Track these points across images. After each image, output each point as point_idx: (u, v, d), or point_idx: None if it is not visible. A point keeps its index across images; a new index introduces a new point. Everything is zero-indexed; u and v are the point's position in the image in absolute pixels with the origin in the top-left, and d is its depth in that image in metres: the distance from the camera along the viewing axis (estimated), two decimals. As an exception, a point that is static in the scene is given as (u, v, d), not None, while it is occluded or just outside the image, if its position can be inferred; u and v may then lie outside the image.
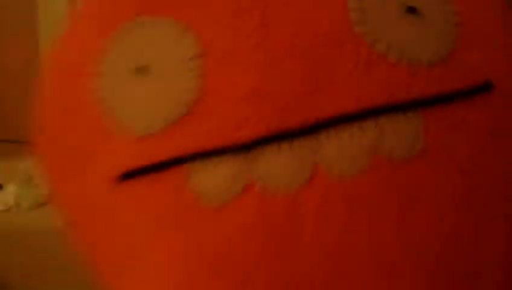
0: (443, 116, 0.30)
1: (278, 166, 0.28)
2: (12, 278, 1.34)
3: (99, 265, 0.38)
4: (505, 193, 0.32)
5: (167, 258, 0.31)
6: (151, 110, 0.31)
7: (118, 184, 0.31)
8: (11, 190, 1.35)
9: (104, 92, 0.32)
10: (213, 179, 0.29)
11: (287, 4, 0.31)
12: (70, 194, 0.37)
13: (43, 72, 0.38)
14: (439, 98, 0.29)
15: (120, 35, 0.33)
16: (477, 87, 0.31)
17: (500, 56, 0.34)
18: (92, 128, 0.33)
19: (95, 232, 0.36)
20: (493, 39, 0.35)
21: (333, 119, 0.28)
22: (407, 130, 0.28)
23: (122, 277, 0.34)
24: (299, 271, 0.28)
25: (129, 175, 0.31)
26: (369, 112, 0.28)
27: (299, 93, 0.29)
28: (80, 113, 0.34)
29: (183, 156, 0.29)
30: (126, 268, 0.34)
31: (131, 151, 0.31)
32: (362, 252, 0.28)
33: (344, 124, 0.28)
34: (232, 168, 0.29)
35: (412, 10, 0.31)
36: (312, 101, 0.29)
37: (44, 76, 0.39)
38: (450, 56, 0.31)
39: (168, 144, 0.30)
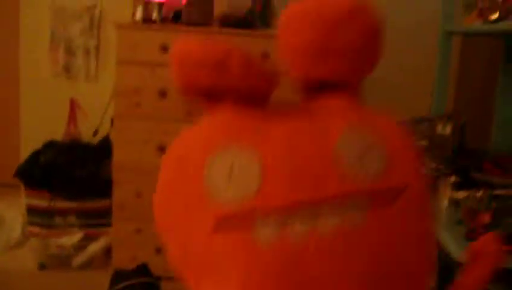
0: (380, 204, 0.57)
1: (296, 225, 0.55)
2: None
3: (188, 277, 0.65)
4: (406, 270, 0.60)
5: (236, 275, 0.57)
6: (236, 191, 0.58)
7: (210, 229, 0.59)
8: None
9: (211, 177, 0.60)
10: (263, 231, 0.55)
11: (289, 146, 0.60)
12: (177, 229, 0.65)
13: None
14: (380, 192, 0.57)
15: (216, 155, 0.61)
16: (395, 192, 0.59)
17: (413, 173, 0.63)
18: (197, 194, 0.61)
19: (192, 258, 0.62)
20: (409, 165, 0.63)
21: (321, 204, 0.55)
22: (362, 210, 0.56)
23: (202, 284, 0.62)
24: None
25: (216, 225, 0.58)
26: (341, 203, 0.55)
27: (304, 191, 0.57)
28: (191, 184, 0.62)
29: (251, 216, 0.56)
30: (206, 279, 0.61)
31: (219, 212, 0.58)
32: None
33: (327, 210, 0.55)
34: (273, 224, 0.56)
35: (366, 154, 0.59)
36: (311, 192, 0.56)
37: (165, 161, 0.68)
38: (384, 172, 0.59)
39: (240, 208, 0.57)
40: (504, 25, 1.93)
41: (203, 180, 0.60)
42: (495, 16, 2.03)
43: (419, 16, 3.38)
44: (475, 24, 2.20)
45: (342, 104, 0.68)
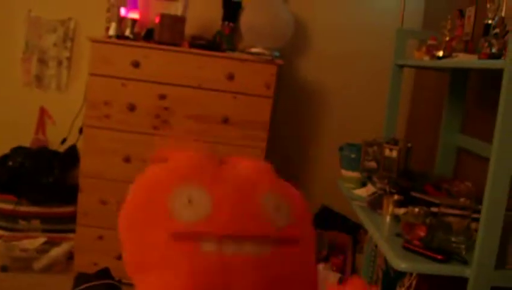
0: (282, 246, 0.86)
1: (229, 246, 0.81)
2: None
3: (134, 269, 0.85)
4: None
5: (183, 272, 0.80)
6: (192, 214, 0.83)
7: (168, 238, 0.82)
8: None
9: (174, 203, 0.84)
10: (209, 243, 0.81)
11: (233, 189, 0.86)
12: (136, 239, 0.86)
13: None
14: (282, 239, 0.87)
15: (181, 187, 0.86)
16: (293, 239, 0.89)
17: (304, 230, 0.92)
18: (161, 213, 0.84)
19: (149, 260, 0.83)
20: (301, 221, 0.91)
21: (249, 237, 0.83)
22: (270, 247, 0.85)
23: (149, 280, 0.83)
24: None
25: (174, 235, 0.81)
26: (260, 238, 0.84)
27: (239, 225, 0.84)
28: (156, 206, 0.84)
29: (201, 233, 0.81)
30: (158, 277, 0.81)
31: (178, 227, 0.82)
32: None
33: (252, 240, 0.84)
34: (214, 242, 0.82)
35: (277, 208, 0.89)
36: (241, 227, 0.84)
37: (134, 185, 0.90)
38: (287, 226, 0.88)
39: (194, 226, 0.82)
40: (447, 62, 2.16)
41: (167, 204, 0.86)
42: (440, 53, 2.26)
43: (374, 50, 3.64)
44: (423, 59, 2.42)
45: (262, 168, 0.97)
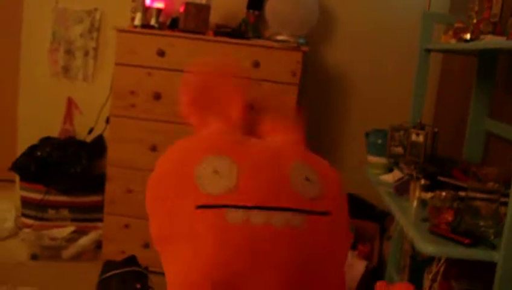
0: (313, 219, 0.91)
1: (257, 217, 0.86)
2: None
3: (163, 242, 0.90)
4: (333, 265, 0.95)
5: (209, 241, 0.83)
6: (217, 186, 0.88)
7: (195, 210, 0.87)
8: None
9: (200, 174, 0.90)
10: (235, 215, 0.86)
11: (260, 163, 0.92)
12: (163, 211, 0.91)
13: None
14: (313, 212, 0.93)
15: (207, 159, 0.92)
16: (325, 212, 0.95)
17: (336, 202, 1.01)
18: (188, 184, 0.90)
19: (177, 228, 0.87)
20: (333, 193, 0.99)
21: (278, 208, 0.88)
22: (301, 219, 0.90)
23: (177, 252, 0.86)
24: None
25: (200, 207, 0.87)
26: (290, 209, 0.90)
27: (267, 196, 0.89)
28: (185, 177, 0.91)
29: (226, 205, 0.87)
30: (185, 244, 0.85)
31: (204, 199, 0.88)
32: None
33: (280, 211, 0.89)
34: (241, 212, 0.86)
35: (307, 179, 0.94)
36: (270, 198, 0.89)
37: (164, 156, 1.04)
38: (318, 198, 0.93)
39: (219, 199, 0.87)
40: (475, 44, 2.11)
41: (194, 175, 0.86)
42: (468, 36, 2.21)
43: (401, 34, 3.61)
44: (450, 42, 2.38)
45: (291, 140, 0.92)
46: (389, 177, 2.42)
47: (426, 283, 2.14)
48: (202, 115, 0.99)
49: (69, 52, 3.70)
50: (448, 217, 1.80)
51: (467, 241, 1.70)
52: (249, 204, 0.82)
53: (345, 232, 0.95)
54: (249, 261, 0.81)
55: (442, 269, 2.06)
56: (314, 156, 0.96)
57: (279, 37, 3.20)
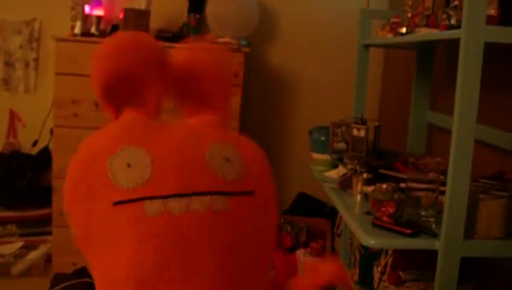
0: (236, 199, 0.83)
1: (175, 205, 0.79)
2: None
3: (84, 243, 0.84)
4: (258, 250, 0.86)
5: (130, 237, 0.77)
6: (132, 179, 0.81)
7: (113, 207, 0.80)
8: None
9: (113, 169, 0.82)
10: (152, 207, 0.79)
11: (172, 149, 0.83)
12: (81, 212, 0.84)
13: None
14: (235, 192, 0.84)
15: (118, 152, 0.84)
16: (248, 191, 0.87)
17: (260, 180, 0.90)
18: (101, 182, 0.82)
19: (95, 229, 0.81)
20: (256, 172, 0.91)
21: (196, 193, 0.80)
22: (223, 201, 0.82)
23: (99, 252, 0.81)
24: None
25: (117, 203, 0.80)
26: (209, 193, 0.81)
27: (183, 183, 0.82)
28: (97, 174, 0.82)
29: (143, 197, 0.80)
30: (105, 246, 0.80)
31: (120, 194, 0.80)
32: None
33: (199, 196, 0.80)
34: (158, 203, 0.80)
35: (227, 160, 0.86)
36: (186, 184, 0.81)
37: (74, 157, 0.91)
38: (240, 178, 0.86)
39: (135, 192, 0.80)
40: (408, 37, 2.15)
41: (107, 172, 0.83)
42: (403, 29, 2.25)
43: (342, 32, 3.64)
44: (387, 37, 2.41)
45: (211, 121, 0.89)
46: (334, 174, 2.43)
47: (376, 276, 2.17)
48: (117, 106, 0.95)
49: (8, 64, 3.61)
50: (390, 209, 1.82)
51: (408, 231, 1.72)
52: (166, 193, 0.80)
53: (272, 210, 0.93)
54: (174, 252, 0.79)
55: (390, 260, 2.08)
56: (237, 136, 0.93)
57: (221, 40, 3.20)
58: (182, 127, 0.90)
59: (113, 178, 0.82)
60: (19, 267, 3.25)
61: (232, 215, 0.84)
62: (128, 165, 0.82)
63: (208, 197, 0.82)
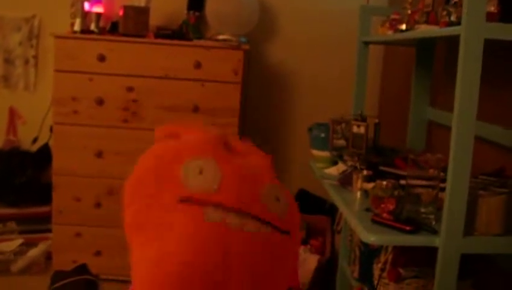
0: (277, 235, 0.86)
1: (233, 219, 0.81)
2: None
3: (135, 230, 0.88)
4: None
5: (183, 233, 0.80)
6: (203, 184, 0.83)
7: (175, 204, 0.83)
8: None
9: (186, 172, 0.85)
10: (213, 213, 0.81)
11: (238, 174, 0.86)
12: (144, 203, 0.87)
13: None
14: (279, 228, 0.87)
15: (194, 159, 0.87)
16: (287, 231, 0.89)
17: (295, 225, 0.94)
18: (173, 180, 0.84)
19: (154, 219, 0.85)
20: (293, 216, 0.94)
21: (253, 216, 0.83)
22: (271, 231, 0.86)
23: (146, 243, 0.84)
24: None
25: (183, 201, 0.82)
26: (261, 221, 0.84)
27: (244, 202, 0.84)
28: (169, 173, 0.86)
29: (208, 202, 0.82)
30: (152, 238, 0.84)
31: (188, 193, 0.82)
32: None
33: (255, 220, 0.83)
34: (220, 212, 0.81)
35: (277, 199, 0.89)
36: (247, 206, 0.84)
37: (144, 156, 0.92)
38: (283, 217, 0.88)
39: (202, 196, 0.82)
40: (407, 34, 2.15)
41: (179, 172, 0.88)
42: (403, 26, 2.25)
43: (341, 29, 3.64)
44: (387, 34, 2.41)
45: (263, 163, 0.98)
46: (334, 170, 2.43)
47: (376, 273, 2.17)
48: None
49: (8, 61, 3.61)
50: (390, 205, 1.82)
51: (408, 228, 1.72)
52: (229, 205, 0.86)
53: (297, 254, 1.03)
54: (221, 261, 0.85)
55: (390, 257, 2.09)
56: (280, 182, 1.03)
57: (221, 37, 3.20)
58: (243, 160, 0.97)
59: (185, 179, 0.88)
60: (19, 264, 3.25)
61: (273, 245, 0.90)
62: (201, 172, 0.88)
63: (260, 223, 0.88)
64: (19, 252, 3.30)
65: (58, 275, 2.72)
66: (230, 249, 0.83)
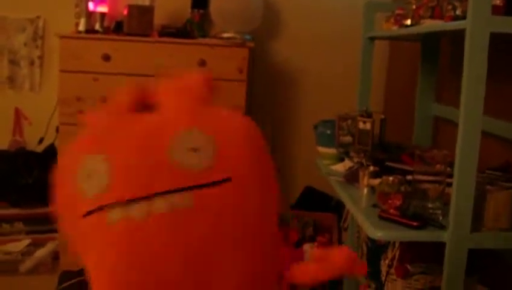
0: (206, 192, 0.70)
1: (135, 210, 0.68)
2: None
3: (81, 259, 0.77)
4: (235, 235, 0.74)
5: (95, 248, 0.72)
6: (92, 189, 0.72)
7: (82, 220, 0.72)
8: None
9: (79, 182, 0.74)
10: (112, 215, 0.69)
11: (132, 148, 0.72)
12: (70, 231, 0.77)
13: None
14: (204, 185, 0.70)
15: (81, 164, 0.75)
16: (220, 181, 0.72)
17: (240, 163, 0.76)
18: (72, 196, 0.74)
19: (73, 239, 0.76)
20: (234, 154, 0.76)
21: (157, 194, 0.68)
22: (189, 197, 0.70)
23: (87, 257, 0.75)
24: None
25: (85, 215, 0.72)
26: (170, 192, 0.69)
27: (142, 185, 0.70)
28: (69, 185, 0.76)
29: (102, 206, 0.70)
30: (88, 253, 0.74)
31: (85, 205, 0.72)
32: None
33: (161, 196, 0.68)
34: (119, 211, 0.69)
35: (193, 149, 0.72)
36: (150, 185, 0.70)
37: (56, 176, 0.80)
38: (211, 167, 0.71)
39: (95, 202, 0.71)
40: (412, 29, 2.14)
41: (76, 180, 0.76)
42: (408, 21, 2.24)
43: (346, 25, 3.63)
44: (392, 29, 2.40)
45: (185, 105, 0.82)
46: (340, 167, 2.43)
47: (383, 269, 2.16)
48: None
49: (13, 62, 3.61)
50: (397, 201, 1.81)
51: (415, 223, 1.72)
52: (124, 199, 0.75)
53: (266, 192, 0.83)
54: (137, 260, 0.75)
55: (397, 253, 2.08)
56: (218, 113, 0.84)
57: (225, 35, 3.19)
58: (147, 119, 0.83)
59: (80, 190, 0.79)
60: (27, 264, 3.25)
61: (200, 211, 0.75)
62: (89, 175, 0.76)
63: (172, 195, 0.74)
64: (27, 253, 3.30)
65: (66, 275, 2.73)
66: (143, 246, 0.73)
